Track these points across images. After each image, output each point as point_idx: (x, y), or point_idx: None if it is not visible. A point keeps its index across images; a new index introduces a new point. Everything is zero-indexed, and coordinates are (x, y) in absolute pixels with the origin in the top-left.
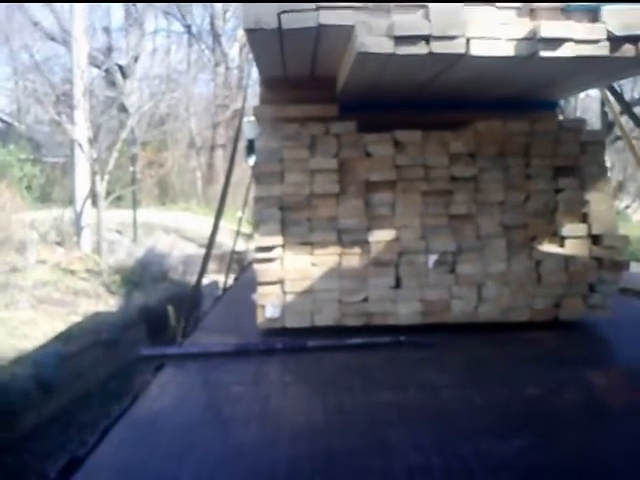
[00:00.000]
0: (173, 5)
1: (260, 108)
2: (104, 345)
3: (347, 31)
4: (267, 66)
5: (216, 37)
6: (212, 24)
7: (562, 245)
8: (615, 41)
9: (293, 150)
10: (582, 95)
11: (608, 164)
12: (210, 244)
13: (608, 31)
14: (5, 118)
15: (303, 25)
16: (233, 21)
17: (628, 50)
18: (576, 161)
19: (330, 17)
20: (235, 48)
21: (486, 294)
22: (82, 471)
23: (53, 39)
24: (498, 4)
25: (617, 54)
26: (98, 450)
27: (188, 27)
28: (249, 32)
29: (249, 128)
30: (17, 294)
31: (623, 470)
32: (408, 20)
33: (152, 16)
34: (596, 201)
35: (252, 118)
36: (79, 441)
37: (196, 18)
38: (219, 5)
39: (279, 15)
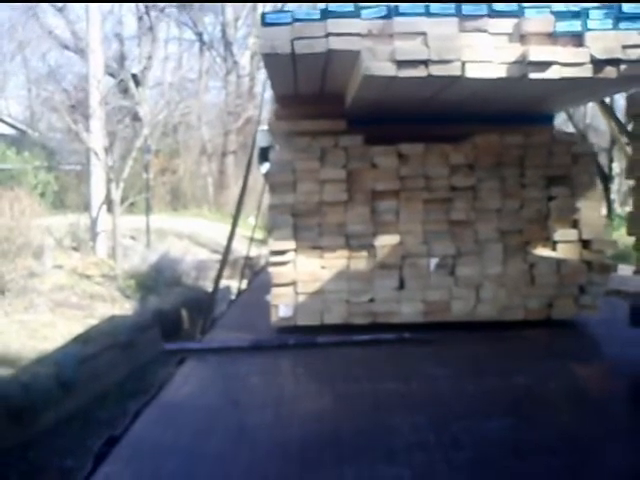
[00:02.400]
0: (185, 13)
1: (274, 123)
2: (121, 347)
3: (354, 55)
4: (281, 84)
5: (227, 45)
6: (223, 32)
7: (554, 249)
8: (598, 64)
9: (305, 162)
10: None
11: (618, 170)
12: (227, 250)
13: (591, 55)
14: (19, 126)
15: (314, 50)
16: (244, 29)
17: (610, 72)
18: (568, 171)
19: (338, 43)
20: (246, 56)
21: (483, 295)
22: (120, 446)
23: (67, 47)
24: (491, 30)
25: (600, 75)
26: (132, 429)
27: (200, 35)
28: (265, 56)
29: (261, 136)
30: (35, 298)
31: (596, 447)
32: (409, 46)
33: (164, 24)
34: (586, 208)
35: (265, 127)
36: (98, 437)
37: (208, 26)
38: (230, 13)
39: (292, 41)
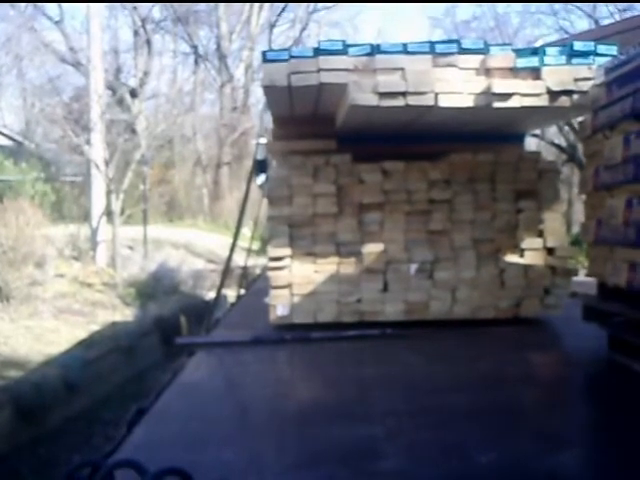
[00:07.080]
0: (180, 26)
1: (272, 143)
2: (122, 351)
3: (342, 87)
4: (278, 109)
5: (222, 58)
6: (218, 45)
7: (522, 256)
8: (553, 94)
9: (299, 178)
10: None
11: None
12: (229, 259)
13: (547, 87)
14: (15, 137)
15: (308, 83)
16: (239, 42)
17: (564, 101)
18: (534, 186)
19: (328, 77)
20: (240, 68)
21: (459, 296)
22: (148, 415)
23: (64, 60)
24: (460, 65)
25: (555, 104)
26: (156, 403)
27: (195, 48)
28: (265, 87)
29: (258, 150)
30: (39, 305)
31: (540, 413)
32: (389, 80)
33: (159, 37)
34: (550, 219)
35: (262, 140)
36: (103, 435)
37: (202, 39)
38: (225, 26)
39: (289, 75)
